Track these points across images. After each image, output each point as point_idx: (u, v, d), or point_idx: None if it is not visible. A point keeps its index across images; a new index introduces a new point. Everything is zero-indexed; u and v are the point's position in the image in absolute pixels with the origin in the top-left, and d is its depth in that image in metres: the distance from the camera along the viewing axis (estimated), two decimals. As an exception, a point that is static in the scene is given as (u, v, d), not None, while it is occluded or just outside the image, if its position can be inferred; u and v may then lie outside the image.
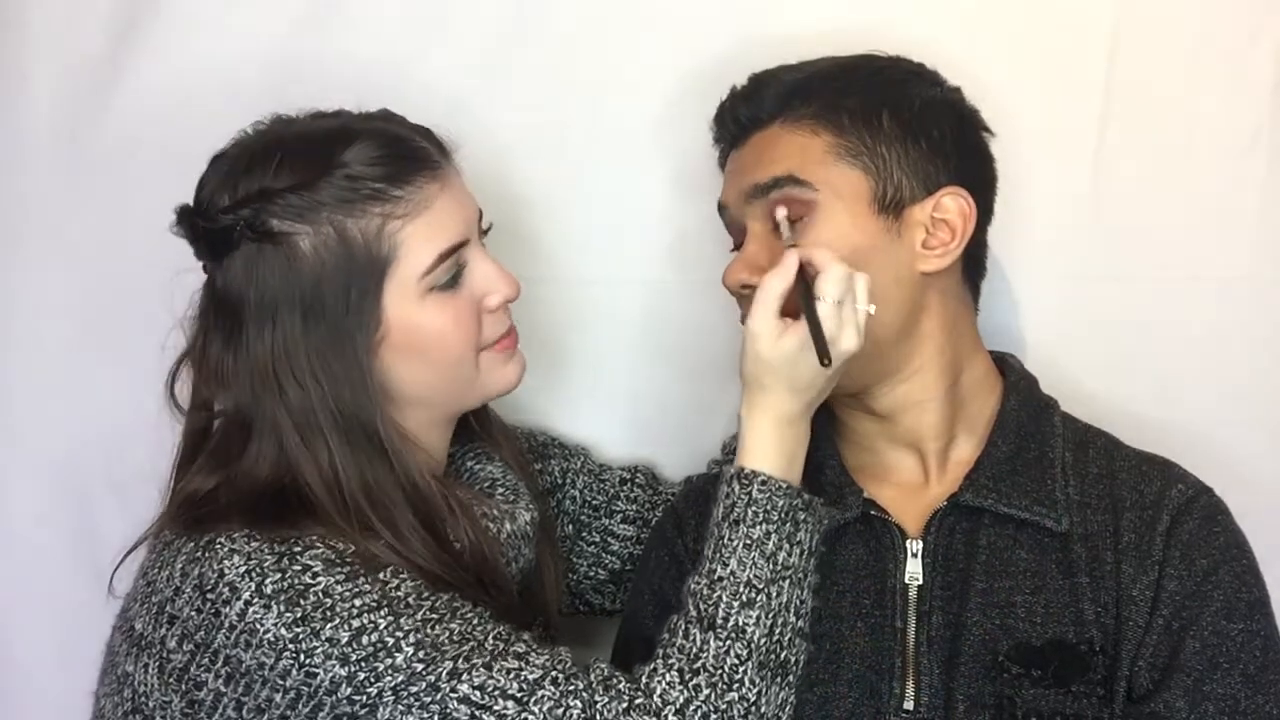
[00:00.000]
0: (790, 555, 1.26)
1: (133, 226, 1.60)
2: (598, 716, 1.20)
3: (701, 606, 1.25)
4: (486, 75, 1.63)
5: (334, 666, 1.20)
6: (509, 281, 1.37)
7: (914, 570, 1.32)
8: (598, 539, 1.58)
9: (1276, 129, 1.54)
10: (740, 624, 1.24)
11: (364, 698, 1.20)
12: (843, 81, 1.36)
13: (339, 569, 1.23)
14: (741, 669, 1.23)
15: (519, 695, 1.20)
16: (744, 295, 1.35)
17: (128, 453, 1.60)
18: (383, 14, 1.63)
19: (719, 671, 1.23)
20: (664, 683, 1.22)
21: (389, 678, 1.20)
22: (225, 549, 1.24)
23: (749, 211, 1.36)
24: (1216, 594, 1.27)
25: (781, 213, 1.32)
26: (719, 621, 1.24)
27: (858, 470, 1.38)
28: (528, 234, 1.59)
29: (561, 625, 1.49)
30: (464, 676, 1.21)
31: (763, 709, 1.23)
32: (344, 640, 1.20)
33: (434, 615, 1.23)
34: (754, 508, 1.27)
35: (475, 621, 1.25)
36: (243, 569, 1.22)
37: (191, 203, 1.33)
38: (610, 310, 1.66)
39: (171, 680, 1.25)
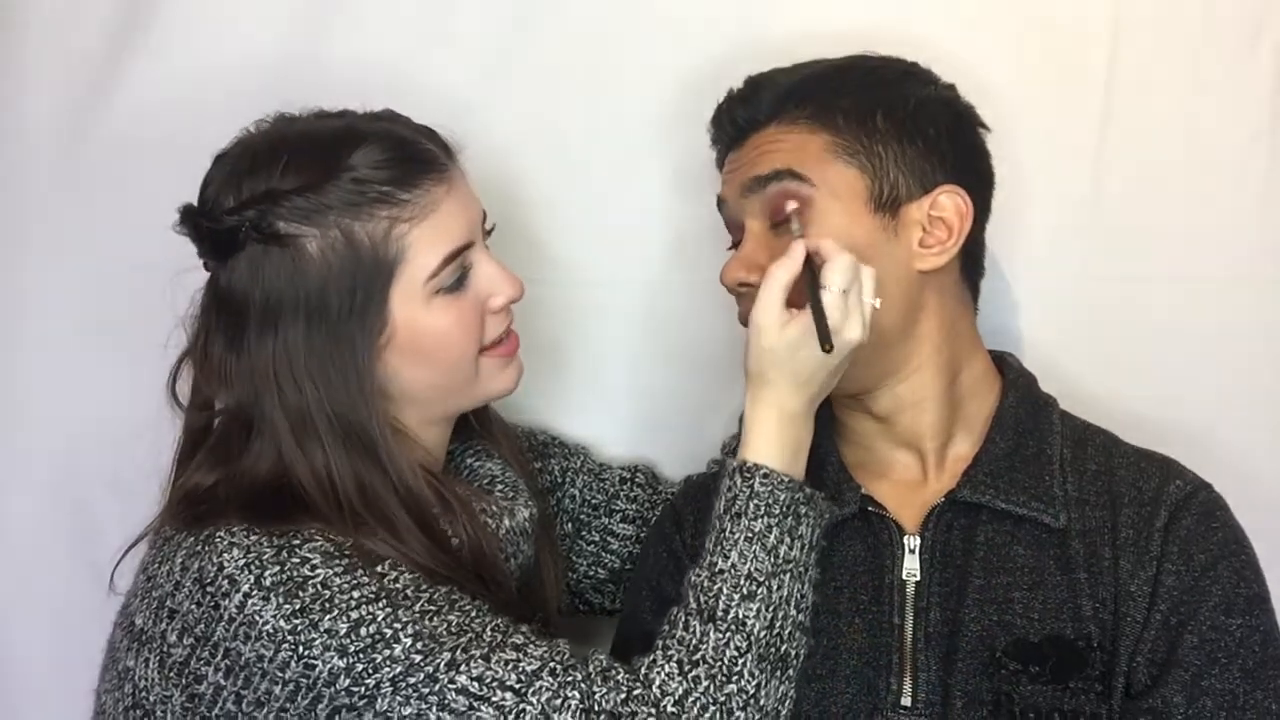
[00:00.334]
0: (791, 549, 1.26)
1: (133, 226, 1.60)
2: (596, 707, 1.20)
3: (702, 599, 1.25)
4: (486, 76, 1.64)
5: (332, 658, 1.20)
6: (513, 282, 1.37)
7: (911, 566, 1.32)
8: (597, 538, 1.58)
9: (1276, 129, 1.55)
10: (740, 616, 1.23)
11: (362, 689, 1.20)
12: (837, 82, 1.37)
13: (337, 561, 1.24)
14: (741, 661, 1.23)
15: (517, 686, 1.20)
16: (742, 293, 1.36)
17: (128, 452, 1.59)
18: (383, 14, 1.64)
19: (718, 663, 1.22)
20: (663, 674, 1.22)
21: (387, 669, 1.20)
22: (225, 542, 1.24)
23: (747, 207, 1.36)
24: (1215, 589, 1.26)
25: (792, 205, 1.32)
26: (719, 614, 1.24)
27: (856, 467, 1.38)
28: (527, 234, 1.59)
29: (561, 625, 1.49)
30: (462, 668, 1.20)
31: (762, 701, 1.23)
32: (342, 632, 1.20)
33: (432, 607, 1.23)
34: (756, 501, 1.27)
35: (473, 613, 1.25)
36: (242, 562, 1.23)
37: (195, 202, 1.33)
38: (610, 310, 1.66)
39: (172, 675, 1.25)
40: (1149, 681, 1.25)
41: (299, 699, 1.21)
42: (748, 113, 1.39)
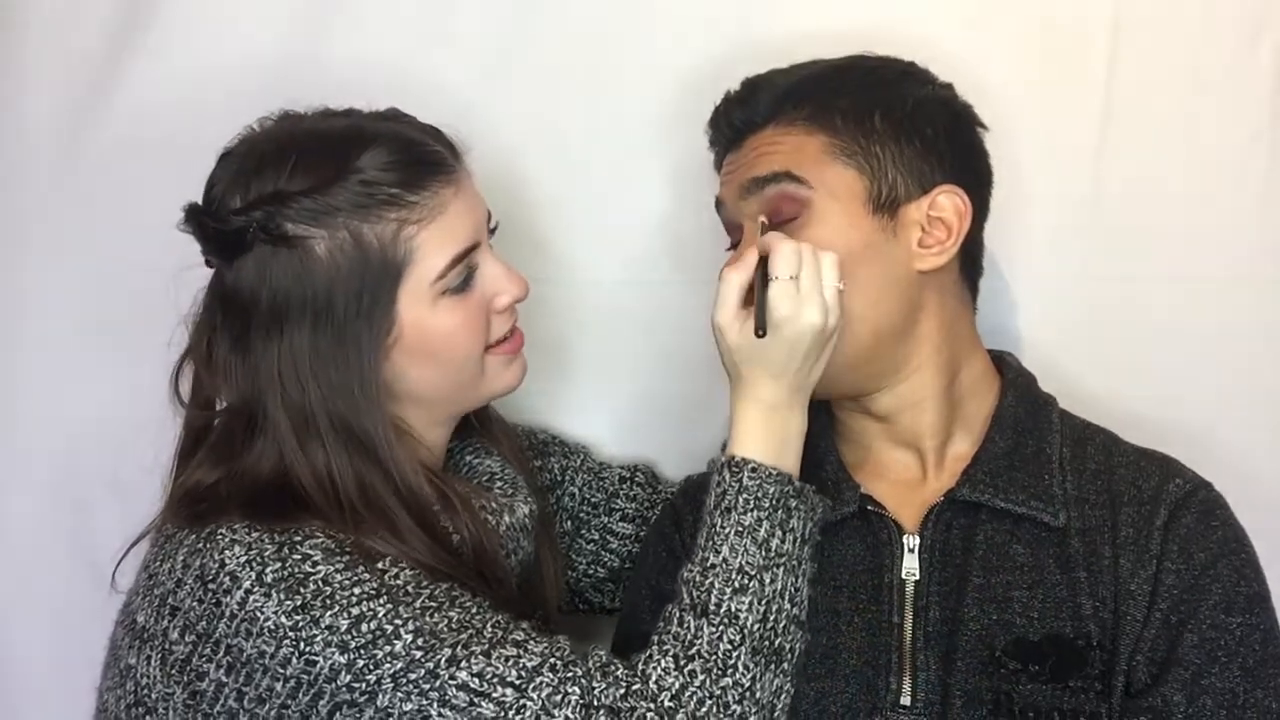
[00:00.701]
0: (783, 542, 1.26)
1: (133, 225, 1.61)
2: (595, 703, 1.20)
3: (694, 594, 1.25)
4: (487, 76, 1.64)
5: (333, 654, 1.20)
6: (518, 282, 1.38)
7: (910, 566, 1.32)
8: (597, 537, 1.58)
9: (1276, 129, 1.55)
10: (733, 610, 1.24)
11: (363, 685, 1.20)
12: (835, 83, 1.37)
13: (338, 558, 1.24)
14: (735, 654, 1.23)
15: (517, 682, 1.20)
16: (741, 294, 1.36)
17: (128, 452, 1.59)
18: (383, 14, 1.64)
19: (713, 657, 1.23)
20: (659, 669, 1.22)
21: (388, 665, 1.20)
22: (226, 539, 1.24)
23: (744, 208, 1.37)
24: (1215, 587, 1.26)
25: (761, 218, 1.33)
26: (711, 608, 1.24)
27: (855, 466, 1.38)
28: (528, 234, 1.59)
29: (561, 623, 1.49)
30: (462, 664, 1.20)
31: (757, 694, 1.23)
32: (343, 628, 1.20)
33: (432, 603, 1.23)
34: (744, 495, 1.27)
35: (474, 610, 1.25)
36: (243, 558, 1.23)
37: (200, 201, 1.33)
38: (611, 310, 1.66)
39: (174, 672, 1.25)
40: (1149, 680, 1.25)
41: (300, 695, 1.21)
42: (745, 114, 1.39)
